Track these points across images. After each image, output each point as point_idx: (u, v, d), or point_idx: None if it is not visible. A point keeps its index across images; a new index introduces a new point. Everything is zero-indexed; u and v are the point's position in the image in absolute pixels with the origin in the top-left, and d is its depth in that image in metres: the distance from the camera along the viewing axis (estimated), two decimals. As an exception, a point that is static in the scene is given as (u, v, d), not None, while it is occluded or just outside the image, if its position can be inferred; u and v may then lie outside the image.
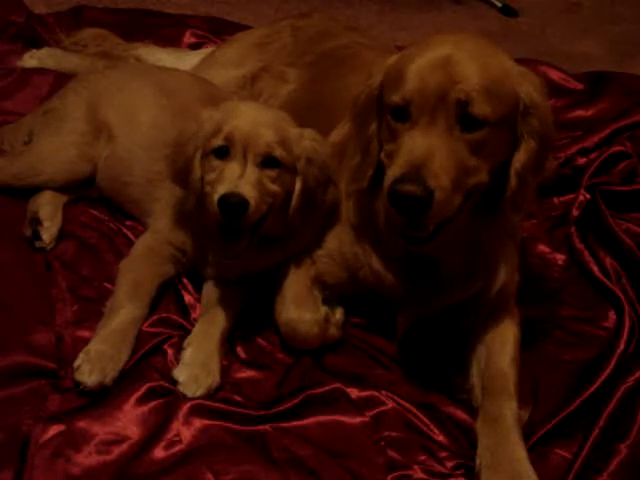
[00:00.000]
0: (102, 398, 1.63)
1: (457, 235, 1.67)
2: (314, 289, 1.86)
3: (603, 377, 1.78)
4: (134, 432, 1.58)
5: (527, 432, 1.66)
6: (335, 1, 3.74)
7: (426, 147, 1.50)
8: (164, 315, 1.85)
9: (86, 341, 1.71)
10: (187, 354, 1.73)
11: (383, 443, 1.64)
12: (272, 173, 1.72)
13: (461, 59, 1.54)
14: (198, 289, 1.94)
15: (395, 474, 1.59)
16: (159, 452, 1.56)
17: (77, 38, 2.81)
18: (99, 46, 2.78)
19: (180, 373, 1.70)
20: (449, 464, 1.63)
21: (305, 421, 1.65)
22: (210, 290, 1.91)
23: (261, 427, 1.63)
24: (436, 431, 1.68)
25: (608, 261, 2.17)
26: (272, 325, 1.85)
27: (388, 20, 3.67)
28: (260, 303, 1.90)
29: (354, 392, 1.72)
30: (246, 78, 2.47)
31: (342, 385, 1.72)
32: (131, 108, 2.10)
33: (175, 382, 1.69)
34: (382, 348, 1.86)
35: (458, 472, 1.62)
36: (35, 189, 2.09)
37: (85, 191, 2.15)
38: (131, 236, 2.05)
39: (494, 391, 1.70)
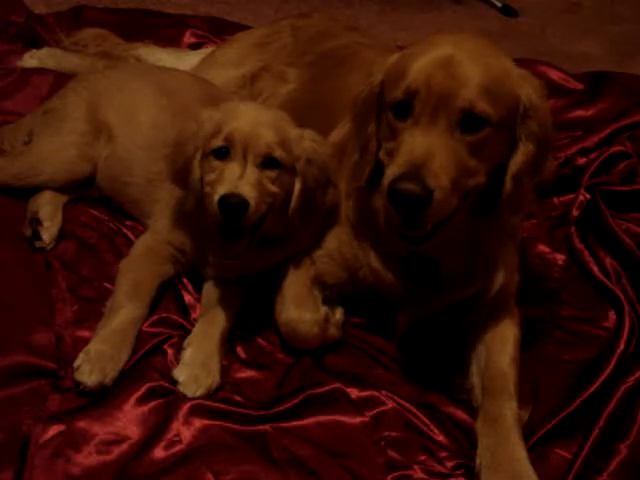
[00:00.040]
0: (102, 398, 1.63)
1: (457, 235, 1.67)
2: (314, 289, 1.86)
3: (603, 377, 1.78)
4: (134, 432, 1.58)
5: (527, 432, 1.66)
6: (335, 1, 3.74)
7: (427, 146, 1.50)
8: (164, 315, 1.85)
9: (86, 341, 1.71)
10: (187, 354, 1.73)
11: (383, 443, 1.64)
12: (272, 174, 1.72)
13: (463, 59, 1.54)
14: (198, 289, 1.94)
15: (395, 474, 1.59)
16: (159, 452, 1.56)
17: (77, 38, 2.81)
18: (99, 46, 2.78)
19: (180, 373, 1.70)
20: (449, 464, 1.63)
21: (305, 421, 1.65)
22: (210, 290, 1.91)
23: (261, 427, 1.63)
24: (436, 431, 1.68)
25: (608, 261, 2.17)
26: (272, 325, 1.85)
27: (388, 20, 3.67)
28: (260, 303, 1.90)
29: (354, 392, 1.72)
30: (246, 78, 2.48)
31: (342, 385, 1.72)
32: (131, 108, 2.10)
33: (175, 382, 1.69)
34: (382, 348, 1.86)
35: (458, 472, 1.62)
36: (35, 189, 2.09)
37: (85, 191, 2.15)
38: (131, 236, 2.05)
39: (494, 391, 1.70)
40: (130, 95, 2.12)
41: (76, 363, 1.65)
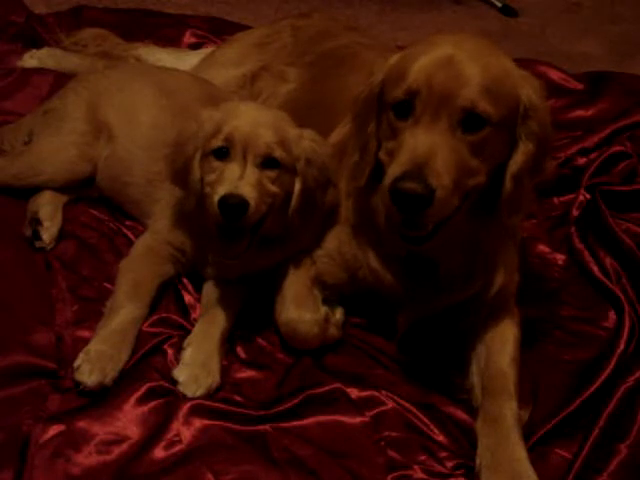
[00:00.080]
0: (102, 398, 1.63)
1: (456, 235, 1.67)
2: (314, 289, 1.86)
3: (603, 377, 1.78)
4: (134, 432, 1.58)
5: (527, 432, 1.66)
6: (335, 1, 3.74)
7: (428, 145, 1.50)
8: (164, 315, 1.85)
9: (86, 341, 1.71)
10: (187, 354, 1.73)
11: (383, 443, 1.64)
12: (272, 174, 1.72)
13: (463, 59, 1.54)
14: (198, 289, 1.94)
15: (395, 474, 1.59)
16: (159, 452, 1.56)
17: (77, 38, 2.81)
18: (99, 46, 2.78)
19: (180, 373, 1.70)
20: (449, 464, 1.63)
21: (305, 421, 1.65)
22: (210, 290, 1.91)
23: (261, 427, 1.63)
24: (436, 431, 1.68)
25: (608, 261, 2.17)
26: (272, 325, 1.85)
27: (388, 20, 3.67)
28: (260, 303, 1.90)
29: (354, 392, 1.72)
30: (246, 77, 2.48)
31: (342, 385, 1.72)
32: (131, 108, 2.10)
33: (175, 382, 1.69)
34: (382, 348, 1.86)
35: (458, 472, 1.62)
36: (35, 189, 2.09)
37: (85, 191, 2.15)
38: (131, 236, 2.05)
39: (494, 391, 1.70)
40: (130, 95, 2.12)
41: (76, 363, 1.65)
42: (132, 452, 1.55)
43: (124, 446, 1.56)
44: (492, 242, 1.75)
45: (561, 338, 1.97)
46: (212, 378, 1.70)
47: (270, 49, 2.50)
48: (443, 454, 1.64)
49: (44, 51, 2.73)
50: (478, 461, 1.60)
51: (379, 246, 1.78)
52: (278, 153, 1.72)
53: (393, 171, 1.51)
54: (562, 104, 2.75)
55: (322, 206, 1.84)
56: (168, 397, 1.66)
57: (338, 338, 1.86)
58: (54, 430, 1.55)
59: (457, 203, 1.54)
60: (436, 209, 1.49)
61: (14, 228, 2.02)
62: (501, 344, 1.79)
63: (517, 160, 1.59)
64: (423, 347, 1.87)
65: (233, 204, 1.63)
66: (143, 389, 1.65)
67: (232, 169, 1.68)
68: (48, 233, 2.00)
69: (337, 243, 1.87)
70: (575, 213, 2.35)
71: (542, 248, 2.25)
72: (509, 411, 1.65)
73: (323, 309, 1.84)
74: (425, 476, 1.59)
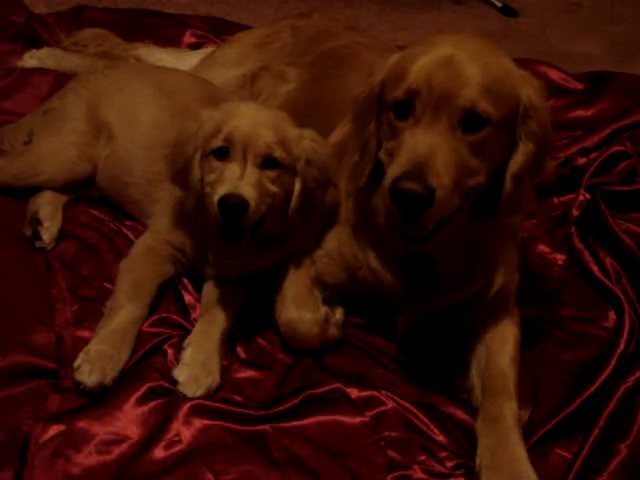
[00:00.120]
0: (102, 398, 1.63)
1: (456, 235, 1.67)
2: (314, 289, 1.86)
3: (603, 377, 1.78)
4: (134, 432, 1.58)
5: (527, 432, 1.66)
6: (335, 1, 3.74)
7: (428, 145, 1.50)
8: (164, 315, 1.85)
9: (86, 341, 1.71)
10: (187, 354, 1.73)
11: (383, 443, 1.64)
12: (272, 174, 1.72)
13: (463, 59, 1.54)
14: (198, 289, 1.94)
15: (395, 474, 1.59)
16: (159, 452, 1.56)
17: (77, 38, 2.81)
18: (99, 46, 2.78)
19: (180, 373, 1.70)
20: (449, 464, 1.63)
21: (305, 421, 1.65)
22: (210, 290, 1.91)
23: (261, 427, 1.63)
24: (436, 431, 1.68)
25: (608, 261, 2.17)
26: (272, 325, 1.85)
27: (388, 20, 3.67)
28: (260, 303, 1.90)
29: (354, 392, 1.72)
30: (246, 77, 2.48)
31: (342, 385, 1.72)
32: (131, 108, 2.10)
33: (175, 382, 1.69)
34: (382, 348, 1.86)
35: (458, 472, 1.62)
36: (35, 189, 2.09)
37: (85, 191, 2.15)
38: (131, 236, 2.05)
39: (494, 391, 1.70)
40: (130, 95, 2.12)
41: (76, 363, 1.65)
42: (132, 452, 1.55)
43: (124, 446, 1.56)
44: (492, 242, 1.75)
45: (561, 338, 1.97)
46: (212, 378, 1.70)
47: (270, 49, 2.50)
48: (443, 454, 1.64)
49: (44, 51, 2.73)
50: (478, 461, 1.60)
51: (379, 246, 1.78)
52: (278, 153, 1.72)
53: (393, 171, 1.51)
54: (562, 104, 2.75)
55: (322, 206, 1.84)
56: (168, 397, 1.66)
57: (338, 338, 1.86)
58: (54, 430, 1.55)
59: (457, 203, 1.54)
60: (436, 209, 1.49)
61: (14, 228, 2.02)
62: (501, 344, 1.79)
63: (517, 160, 1.59)
64: (423, 347, 1.87)
65: (233, 204, 1.63)
66: (143, 389, 1.65)
67: (232, 169, 1.68)
68: (48, 233, 2.00)
69: (337, 243, 1.87)
70: (575, 213, 2.35)
71: (542, 248, 2.25)
72: (509, 411, 1.65)
73: (323, 309, 1.84)
74: (425, 476, 1.59)
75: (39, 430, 1.55)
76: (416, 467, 1.61)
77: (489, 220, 1.68)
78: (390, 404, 1.71)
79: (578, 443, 1.65)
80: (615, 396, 1.72)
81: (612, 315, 2.03)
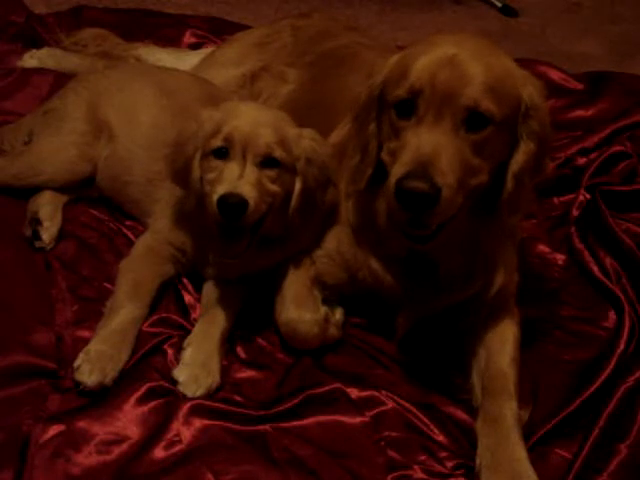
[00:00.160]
0: (102, 398, 1.63)
1: (456, 235, 1.67)
2: (314, 289, 1.86)
3: (603, 377, 1.78)
4: (134, 432, 1.58)
5: (527, 432, 1.66)
6: (335, 1, 3.74)
7: (433, 144, 1.50)
8: (164, 315, 1.85)
9: (86, 341, 1.71)
10: (187, 354, 1.73)
11: (383, 443, 1.64)
12: (271, 173, 1.72)
13: (466, 58, 1.54)
14: (198, 289, 1.94)
15: (395, 474, 1.59)
16: (159, 452, 1.56)
17: (77, 38, 2.81)
18: (99, 46, 2.78)
19: (180, 373, 1.70)
20: (449, 464, 1.63)
21: (305, 421, 1.65)
22: (210, 290, 1.91)
23: (261, 427, 1.63)
24: (436, 431, 1.68)
25: (608, 261, 2.17)
26: (272, 325, 1.85)
27: (388, 20, 3.67)
28: (260, 303, 1.90)
29: (354, 392, 1.72)
30: (246, 77, 2.48)
31: (342, 385, 1.72)
32: (131, 108, 2.10)
33: (175, 382, 1.69)
34: (382, 348, 1.86)
35: (458, 472, 1.62)
36: (35, 189, 2.09)
37: (85, 191, 2.15)
38: (131, 236, 2.05)
39: (494, 391, 1.70)
40: (130, 95, 2.12)
41: (76, 363, 1.65)
42: (132, 452, 1.55)
43: (124, 446, 1.56)
44: (492, 242, 1.75)
45: (561, 338, 1.97)
46: (212, 378, 1.70)
47: (270, 49, 2.50)
48: (443, 454, 1.64)
49: (44, 51, 2.73)
50: (478, 461, 1.60)
51: (379, 247, 1.78)
52: (278, 153, 1.72)
53: (398, 170, 1.51)
54: (562, 104, 2.75)
55: (322, 206, 1.84)
56: (168, 397, 1.66)
57: (338, 338, 1.86)
58: (54, 430, 1.55)
59: (460, 202, 1.54)
60: (442, 208, 1.48)
61: (14, 228, 2.02)
62: (501, 344, 1.79)
63: (518, 159, 1.59)
64: (423, 347, 1.87)
65: (232, 203, 1.63)
66: (143, 389, 1.65)
67: (232, 168, 1.68)
68: (48, 233, 2.00)
69: (337, 243, 1.87)
70: (575, 213, 2.35)
71: (542, 248, 2.25)
72: (509, 411, 1.65)
73: (323, 309, 1.84)
74: (425, 476, 1.59)
75: (39, 430, 1.55)
76: (416, 467, 1.61)
77: (489, 220, 1.68)
78: (390, 404, 1.71)
79: (578, 443, 1.65)
80: (615, 396, 1.72)
81: (612, 315, 2.03)
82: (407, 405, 1.71)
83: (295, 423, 1.65)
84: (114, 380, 1.65)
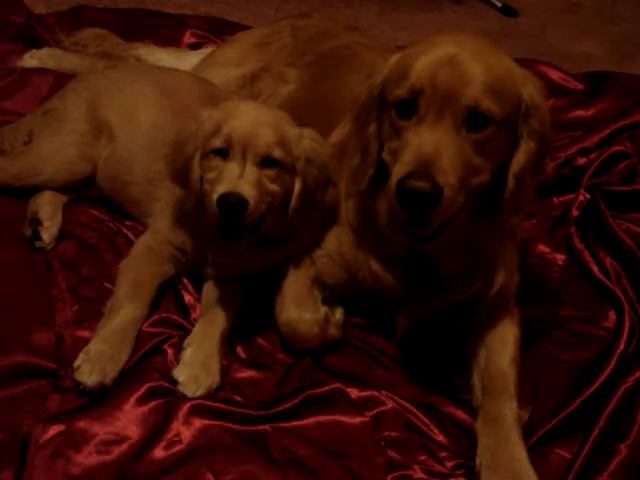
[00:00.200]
0: (102, 398, 1.63)
1: (457, 235, 1.67)
2: (314, 289, 1.86)
3: (603, 377, 1.78)
4: (134, 432, 1.58)
5: (527, 432, 1.66)
6: (335, 1, 3.75)
7: (434, 144, 1.49)
8: (164, 315, 1.85)
9: (86, 341, 1.71)
10: (187, 354, 1.73)
11: (383, 443, 1.64)
12: (271, 173, 1.72)
13: (466, 58, 1.54)
14: (198, 289, 1.94)
15: (395, 474, 1.59)
16: (159, 452, 1.56)
17: (77, 38, 2.81)
18: (99, 46, 2.78)
19: (180, 373, 1.70)
20: (449, 464, 1.63)
21: (305, 421, 1.65)
22: (210, 290, 1.91)
23: (261, 427, 1.63)
24: (436, 431, 1.68)
25: (608, 261, 2.17)
26: (272, 325, 1.85)
27: (388, 20, 3.67)
28: (260, 303, 1.90)
29: (354, 392, 1.72)
30: (246, 78, 2.48)
31: (342, 385, 1.72)
32: (131, 108, 2.10)
33: (175, 382, 1.69)
34: (382, 348, 1.86)
35: (458, 472, 1.62)
36: (35, 189, 2.09)
37: (85, 191, 2.15)
38: (131, 236, 2.05)
39: (494, 391, 1.70)
40: (130, 95, 2.12)
41: (76, 363, 1.65)
42: (132, 452, 1.55)
43: (124, 446, 1.56)
44: (492, 242, 1.75)
45: (561, 338, 1.97)
46: (212, 378, 1.70)
47: (270, 49, 2.50)
48: (443, 454, 1.64)
49: (44, 51, 2.73)
50: (478, 461, 1.60)
51: (379, 247, 1.78)
52: (278, 153, 1.72)
53: (399, 170, 1.50)
54: (562, 104, 2.75)
55: (322, 206, 1.84)
56: (168, 397, 1.66)
57: (338, 338, 1.86)
58: (54, 430, 1.55)
59: (462, 201, 1.54)
60: (444, 207, 1.48)
61: (14, 228, 2.02)
62: (501, 344, 1.79)
63: (519, 159, 1.60)
64: (423, 347, 1.87)
65: (232, 202, 1.63)
66: (143, 389, 1.65)
67: (231, 168, 1.68)
68: (48, 233, 2.00)
69: (337, 243, 1.87)
70: (575, 213, 2.35)
71: (542, 248, 2.26)
72: (509, 411, 1.65)
73: (323, 309, 1.84)
74: (425, 476, 1.59)
75: (39, 430, 1.55)
76: (416, 467, 1.61)
77: (489, 220, 1.68)
78: (390, 404, 1.71)
79: (578, 443, 1.65)
80: (615, 396, 1.72)
81: (612, 315, 2.03)
82: (407, 405, 1.71)
83: (295, 423, 1.64)
84: (114, 380, 1.65)
